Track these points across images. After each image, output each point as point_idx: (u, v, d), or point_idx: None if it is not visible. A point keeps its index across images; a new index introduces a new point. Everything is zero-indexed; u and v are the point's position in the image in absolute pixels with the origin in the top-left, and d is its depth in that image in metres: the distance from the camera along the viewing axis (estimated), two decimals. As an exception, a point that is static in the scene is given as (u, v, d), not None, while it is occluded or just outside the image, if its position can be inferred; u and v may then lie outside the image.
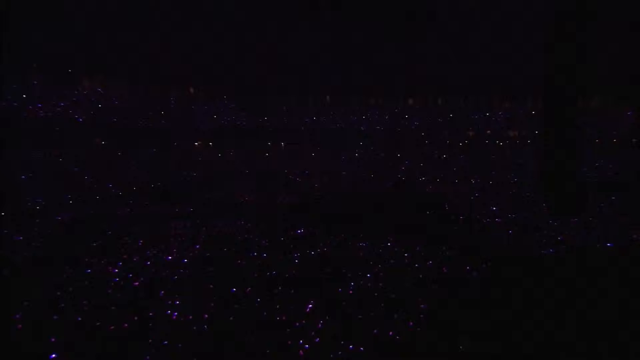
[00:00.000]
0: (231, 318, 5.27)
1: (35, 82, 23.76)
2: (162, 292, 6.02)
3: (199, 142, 34.78)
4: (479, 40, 26.55)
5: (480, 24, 26.04)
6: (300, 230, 10.34)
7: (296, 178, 25.78)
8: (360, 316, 5.36)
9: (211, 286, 6.39)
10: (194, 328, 4.98)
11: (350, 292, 6.13)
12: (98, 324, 5.14)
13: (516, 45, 26.67)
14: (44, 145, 21.22)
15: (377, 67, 30.08)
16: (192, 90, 36.16)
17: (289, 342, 4.72)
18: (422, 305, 5.56)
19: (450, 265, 7.37)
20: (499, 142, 32.88)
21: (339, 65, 29.81)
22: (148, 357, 4.24)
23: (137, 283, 6.44)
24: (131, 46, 26.94)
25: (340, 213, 14.06)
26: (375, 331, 4.91)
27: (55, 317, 5.27)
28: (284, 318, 5.23)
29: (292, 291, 6.14)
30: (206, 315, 5.19)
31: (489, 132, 34.02)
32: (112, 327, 5.04)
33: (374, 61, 29.85)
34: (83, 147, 24.19)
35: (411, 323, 5.00)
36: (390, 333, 4.76)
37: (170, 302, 5.72)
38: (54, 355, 4.16)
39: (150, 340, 4.71)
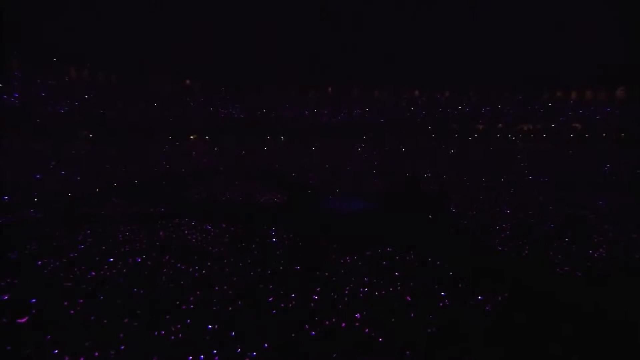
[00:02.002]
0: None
1: (13, 71, 22.38)
2: (49, 336, 4.31)
3: (194, 136, 33.25)
4: (487, 29, 24.60)
5: (491, 14, 24.07)
6: (275, 239, 8.52)
7: (292, 174, 24.05)
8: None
9: (131, 322, 4.66)
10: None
11: (313, 333, 4.35)
12: None
13: (527, 35, 24.72)
14: (18, 138, 19.82)
15: (381, 57, 28.09)
16: (188, 82, 34.66)
17: None
18: (406, 352, 3.76)
19: (455, 296, 5.50)
20: (512, 136, 30.75)
21: (341, 55, 27.92)
22: None
23: (23, 320, 4.73)
24: (123, 35, 25.39)
25: (331, 216, 12.31)
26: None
27: None
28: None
29: (238, 338, 4.38)
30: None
31: (500, 125, 31.88)
32: None
33: (378, 50, 27.87)
34: (63, 140, 22.74)
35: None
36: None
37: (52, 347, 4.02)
38: None
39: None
